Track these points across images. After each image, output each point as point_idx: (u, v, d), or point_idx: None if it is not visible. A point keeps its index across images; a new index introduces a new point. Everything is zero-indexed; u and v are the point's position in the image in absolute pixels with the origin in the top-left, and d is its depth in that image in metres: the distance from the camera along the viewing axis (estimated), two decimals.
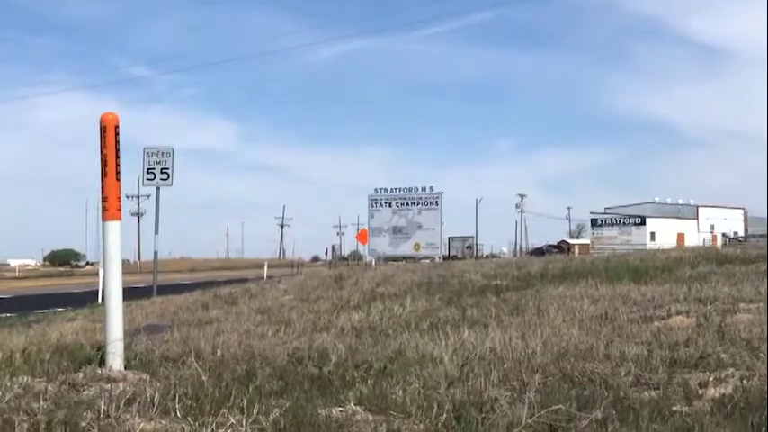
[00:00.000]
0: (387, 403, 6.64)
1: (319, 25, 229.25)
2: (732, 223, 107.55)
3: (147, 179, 30.74)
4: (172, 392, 6.80)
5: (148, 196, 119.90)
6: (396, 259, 64.36)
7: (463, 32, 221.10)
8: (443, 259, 66.48)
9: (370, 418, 6.32)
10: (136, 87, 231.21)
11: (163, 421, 6.12)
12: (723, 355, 8.08)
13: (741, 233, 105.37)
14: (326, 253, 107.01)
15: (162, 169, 30.27)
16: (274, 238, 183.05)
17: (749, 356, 7.92)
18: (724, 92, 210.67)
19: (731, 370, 7.51)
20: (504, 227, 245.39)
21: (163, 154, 30.52)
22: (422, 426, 6.00)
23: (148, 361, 8.84)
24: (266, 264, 67.35)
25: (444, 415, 6.10)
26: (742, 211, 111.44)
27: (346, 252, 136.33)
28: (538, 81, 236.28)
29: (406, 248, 69.46)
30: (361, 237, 74.70)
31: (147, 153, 30.40)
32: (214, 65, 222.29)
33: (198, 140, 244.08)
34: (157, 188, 31.39)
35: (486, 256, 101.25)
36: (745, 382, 7.02)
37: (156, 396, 6.66)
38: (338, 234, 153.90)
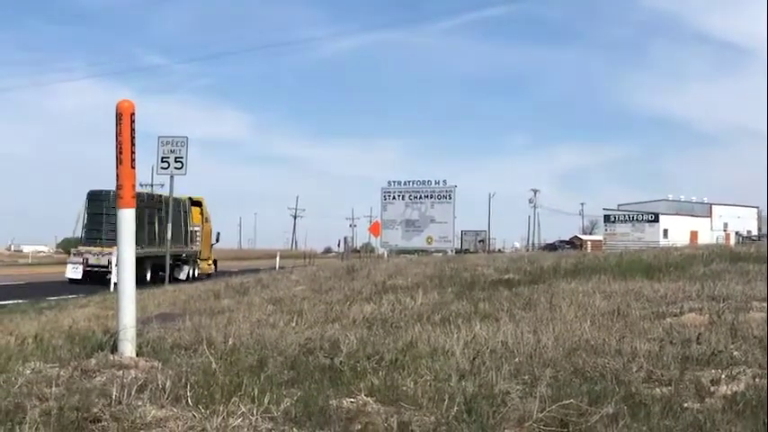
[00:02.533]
0: (398, 395, 6.65)
1: (335, 16, 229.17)
2: (746, 222, 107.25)
3: (162, 168, 30.91)
4: (183, 380, 6.82)
5: (162, 185, 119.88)
6: (408, 252, 64.48)
7: (480, 26, 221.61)
8: (456, 253, 66.51)
9: (381, 409, 6.32)
10: (151, 77, 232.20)
11: (174, 409, 6.14)
12: (735, 353, 8.06)
13: (755, 232, 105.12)
14: (339, 245, 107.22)
15: (176, 158, 30.42)
16: (287, 228, 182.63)
17: (761, 354, 7.90)
18: (741, 89, 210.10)
19: (743, 368, 7.49)
20: (517, 222, 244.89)
21: (177, 143, 30.67)
22: (433, 418, 6.00)
23: (160, 349, 8.86)
24: (278, 254, 67.60)
25: (455, 407, 6.10)
26: (756, 210, 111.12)
27: (359, 244, 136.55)
28: (554, 76, 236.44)
29: (418, 241, 69.58)
30: (374, 229, 74.88)
31: (162, 142, 30.55)
32: (229, 55, 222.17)
33: (212, 130, 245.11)
34: (171, 177, 31.52)
35: (499, 250, 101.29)
36: (757, 380, 7.01)
37: (168, 383, 6.68)
38: (351, 226, 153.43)
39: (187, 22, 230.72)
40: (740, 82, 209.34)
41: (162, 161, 30.53)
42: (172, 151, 30.37)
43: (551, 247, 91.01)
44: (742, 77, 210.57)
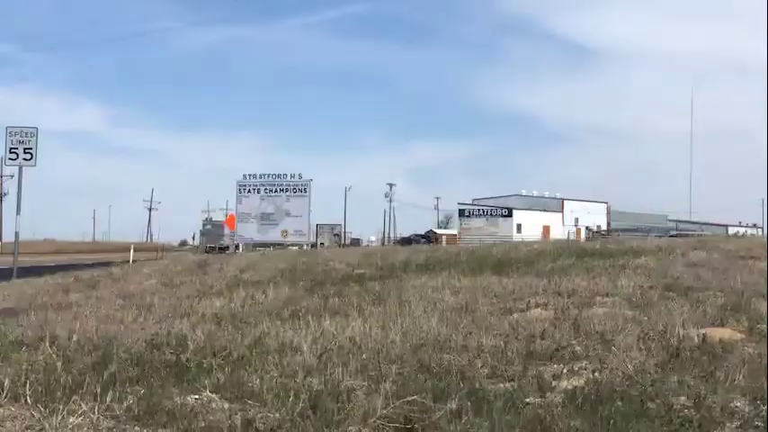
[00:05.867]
0: (243, 392, 6.63)
1: (193, 8, 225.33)
2: (596, 217, 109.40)
3: (10, 159, 30.13)
4: (23, 378, 6.67)
5: (12, 176, 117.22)
6: (264, 246, 64.23)
7: (338, 23, 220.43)
8: (311, 246, 66.52)
9: (226, 406, 6.30)
10: (2, 66, 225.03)
11: (12, 408, 6.01)
12: (577, 348, 8.25)
13: (604, 227, 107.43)
14: (194, 238, 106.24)
15: (25, 149, 29.64)
16: (142, 221, 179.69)
17: (602, 349, 8.10)
18: (588, 89, 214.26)
19: (584, 362, 7.69)
20: (374, 215, 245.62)
21: (26, 133, 29.88)
22: (277, 415, 5.99)
23: (0, 345, 8.65)
24: (132, 247, 66.62)
25: (301, 404, 6.10)
26: (605, 205, 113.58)
27: None
28: (410, 73, 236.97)
29: (274, 235, 69.20)
30: (230, 222, 74.34)
31: (10, 132, 29.74)
32: (84, 45, 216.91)
33: (67, 122, 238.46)
34: (20, 168, 30.77)
35: (352, 244, 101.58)
36: (597, 374, 7.18)
37: (7, 382, 6.52)
38: (207, 219, 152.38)
39: (42, 12, 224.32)
40: (588, 82, 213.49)
41: (10, 152, 29.74)
42: (21, 142, 29.60)
43: (406, 241, 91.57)
44: (590, 77, 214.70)
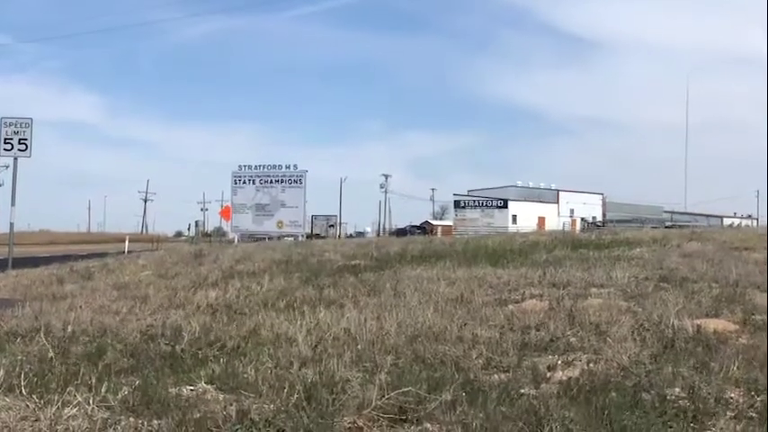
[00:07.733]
0: (238, 382, 6.64)
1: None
2: (591, 208, 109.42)
3: (5, 150, 30.02)
4: (17, 369, 6.67)
5: (7, 167, 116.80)
6: (259, 237, 64.28)
7: (335, 14, 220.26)
8: (307, 237, 66.51)
9: (221, 397, 6.31)
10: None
11: (7, 398, 6.01)
12: (572, 339, 8.26)
13: (599, 218, 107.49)
14: (189, 228, 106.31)
15: (20, 140, 29.58)
16: (138, 212, 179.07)
17: (597, 340, 8.11)
18: (584, 80, 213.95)
19: (579, 353, 7.69)
20: (370, 206, 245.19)
21: (21, 124, 29.83)
22: (272, 406, 5.99)
23: None
24: (127, 238, 66.45)
25: (296, 395, 6.11)
26: (600, 197, 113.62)
27: (210, 228, 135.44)
28: (407, 64, 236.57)
29: (269, 226, 69.13)
30: (225, 213, 74.35)
31: (5, 123, 29.69)
32: (81, 35, 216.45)
33: (63, 113, 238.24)
34: (15, 159, 30.73)
35: (350, 235, 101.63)
36: (591, 365, 7.20)
37: (1, 373, 6.53)
38: (202, 210, 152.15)
39: (38, 2, 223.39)
40: (583, 73, 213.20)
41: (5, 143, 29.66)
42: (16, 133, 29.55)
43: (402, 233, 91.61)
44: (587, 69, 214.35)
